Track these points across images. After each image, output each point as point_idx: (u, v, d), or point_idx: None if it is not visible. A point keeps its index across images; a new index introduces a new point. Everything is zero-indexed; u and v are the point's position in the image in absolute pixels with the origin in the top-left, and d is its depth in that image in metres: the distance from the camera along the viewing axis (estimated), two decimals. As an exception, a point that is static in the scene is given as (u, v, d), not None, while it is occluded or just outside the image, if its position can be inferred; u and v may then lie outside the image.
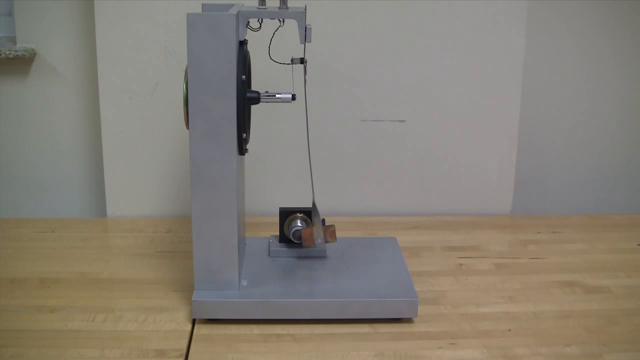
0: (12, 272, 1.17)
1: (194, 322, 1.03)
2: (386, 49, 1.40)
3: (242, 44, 0.99)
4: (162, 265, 1.21)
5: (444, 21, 1.39)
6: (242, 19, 0.98)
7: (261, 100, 1.02)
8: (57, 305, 1.06)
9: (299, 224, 1.15)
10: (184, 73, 0.95)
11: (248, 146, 1.03)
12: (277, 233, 1.18)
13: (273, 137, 1.43)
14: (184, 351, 0.95)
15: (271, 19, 1.01)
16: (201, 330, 1.00)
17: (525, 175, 1.58)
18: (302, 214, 1.16)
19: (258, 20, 1.02)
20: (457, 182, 1.48)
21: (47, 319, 1.03)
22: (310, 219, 1.14)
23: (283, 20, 1.02)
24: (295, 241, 1.16)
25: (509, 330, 1.02)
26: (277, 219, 1.17)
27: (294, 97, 1.03)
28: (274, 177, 1.45)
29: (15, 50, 1.39)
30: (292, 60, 1.03)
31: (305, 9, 1.01)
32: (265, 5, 1.02)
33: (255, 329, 1.01)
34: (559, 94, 1.59)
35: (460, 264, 1.24)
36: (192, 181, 0.98)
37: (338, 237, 1.13)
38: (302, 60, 1.02)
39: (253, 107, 1.07)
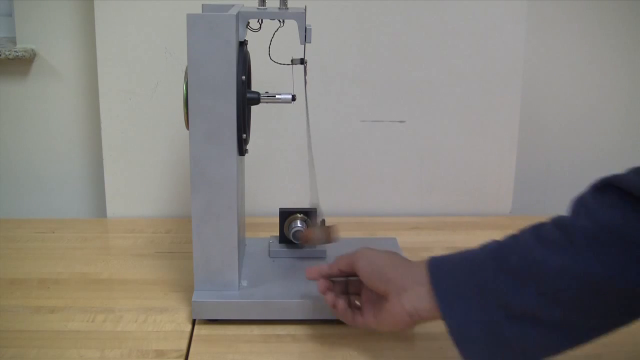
0: (12, 272, 1.17)
1: (194, 322, 1.03)
2: (386, 49, 1.40)
3: (242, 44, 0.99)
4: (162, 265, 1.21)
5: (443, 21, 1.39)
6: (242, 20, 0.98)
7: (261, 100, 1.02)
8: (57, 306, 1.06)
9: (299, 225, 1.15)
10: (184, 73, 0.95)
11: (248, 146, 1.03)
12: (277, 233, 1.18)
13: (273, 137, 1.43)
14: (184, 352, 0.95)
15: (271, 19, 1.01)
16: (201, 330, 1.00)
17: (525, 175, 1.58)
18: (302, 215, 1.16)
19: (258, 21, 1.02)
20: (457, 182, 1.48)
21: (47, 319, 1.03)
22: (310, 220, 1.14)
23: (283, 21, 1.02)
24: (295, 242, 1.16)
25: (509, 330, 1.02)
26: (277, 220, 1.17)
27: (294, 98, 1.03)
28: (274, 177, 1.45)
29: (15, 51, 1.39)
30: (292, 60, 1.02)
31: (305, 10, 1.01)
32: (265, 5, 1.02)
33: (256, 330, 1.01)
34: (559, 94, 1.59)
35: (460, 264, 1.23)
36: (192, 181, 0.98)
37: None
38: (302, 61, 1.02)
39: (253, 107, 1.07)
